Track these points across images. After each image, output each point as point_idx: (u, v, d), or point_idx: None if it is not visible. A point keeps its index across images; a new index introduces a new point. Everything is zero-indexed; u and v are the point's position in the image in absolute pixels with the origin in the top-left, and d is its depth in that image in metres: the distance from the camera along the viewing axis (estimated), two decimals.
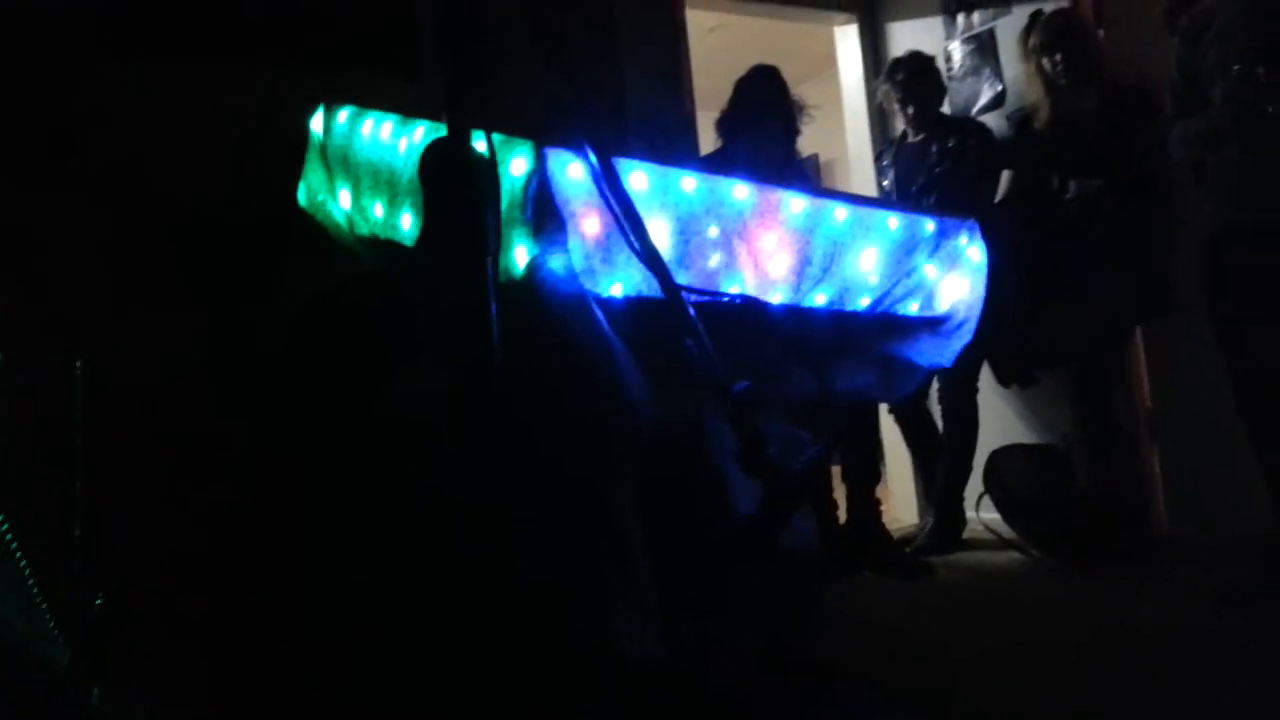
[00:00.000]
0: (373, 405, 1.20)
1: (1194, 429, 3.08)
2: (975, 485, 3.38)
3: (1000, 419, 3.52)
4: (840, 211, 1.51)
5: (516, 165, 1.13)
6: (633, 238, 1.14)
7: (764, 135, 2.97)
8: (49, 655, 1.19)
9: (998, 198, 3.34)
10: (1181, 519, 3.17)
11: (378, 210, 1.38)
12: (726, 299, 1.37)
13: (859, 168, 4.12)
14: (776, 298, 1.39)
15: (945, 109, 3.58)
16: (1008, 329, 3.22)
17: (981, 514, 3.40)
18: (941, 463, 3.42)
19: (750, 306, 1.32)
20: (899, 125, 3.74)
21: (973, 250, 1.69)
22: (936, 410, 3.50)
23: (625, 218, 1.13)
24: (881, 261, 1.58)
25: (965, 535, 3.44)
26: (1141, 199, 2.96)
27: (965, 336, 1.70)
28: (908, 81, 3.40)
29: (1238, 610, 2.35)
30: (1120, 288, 2.97)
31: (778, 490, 1.09)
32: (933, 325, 1.69)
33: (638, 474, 1.14)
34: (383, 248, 1.36)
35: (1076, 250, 3.02)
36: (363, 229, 1.43)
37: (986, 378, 3.39)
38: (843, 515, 3.11)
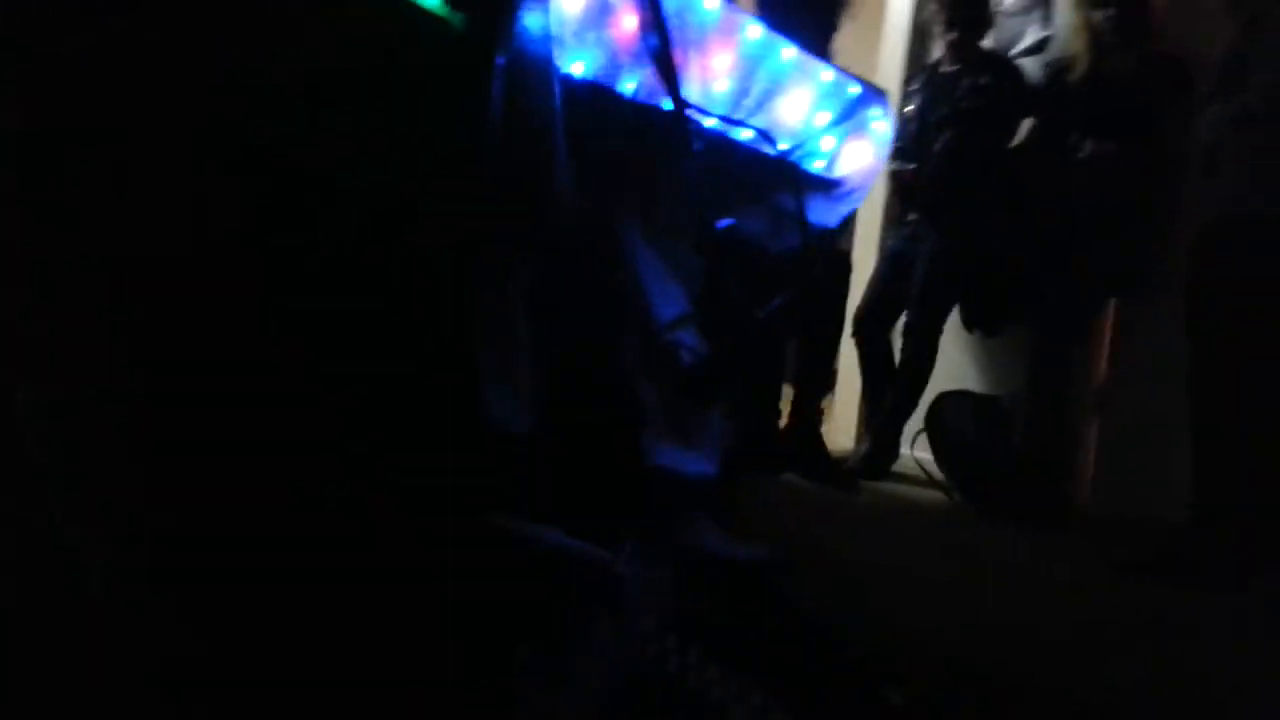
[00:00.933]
0: None
1: (1138, 412, 3.12)
2: (916, 423, 3.42)
3: (954, 364, 3.53)
4: (788, 51, 1.46)
5: None
6: (652, 37, 1.08)
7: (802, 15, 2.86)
8: None
9: (1014, 142, 3.29)
10: (1104, 496, 3.24)
11: None
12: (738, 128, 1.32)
13: (888, 89, 4.01)
14: (710, 122, 1.35)
15: (987, 43, 3.48)
16: (989, 274, 3.24)
17: (915, 451, 3.46)
18: (889, 394, 3.44)
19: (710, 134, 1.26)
20: (936, 52, 3.65)
21: (880, 124, 1.66)
22: (898, 342, 3.51)
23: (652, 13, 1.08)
24: (807, 110, 1.54)
25: (895, 468, 3.50)
26: (1152, 173, 2.92)
27: (854, 203, 1.70)
28: (956, 5, 3.30)
29: (1129, 578, 2.43)
30: (1108, 257, 2.96)
31: (739, 332, 1.06)
32: (827, 187, 1.67)
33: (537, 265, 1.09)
34: None
35: (1076, 211, 3.00)
36: None
37: (951, 320, 3.39)
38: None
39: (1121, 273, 3.00)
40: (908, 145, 3.40)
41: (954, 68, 3.35)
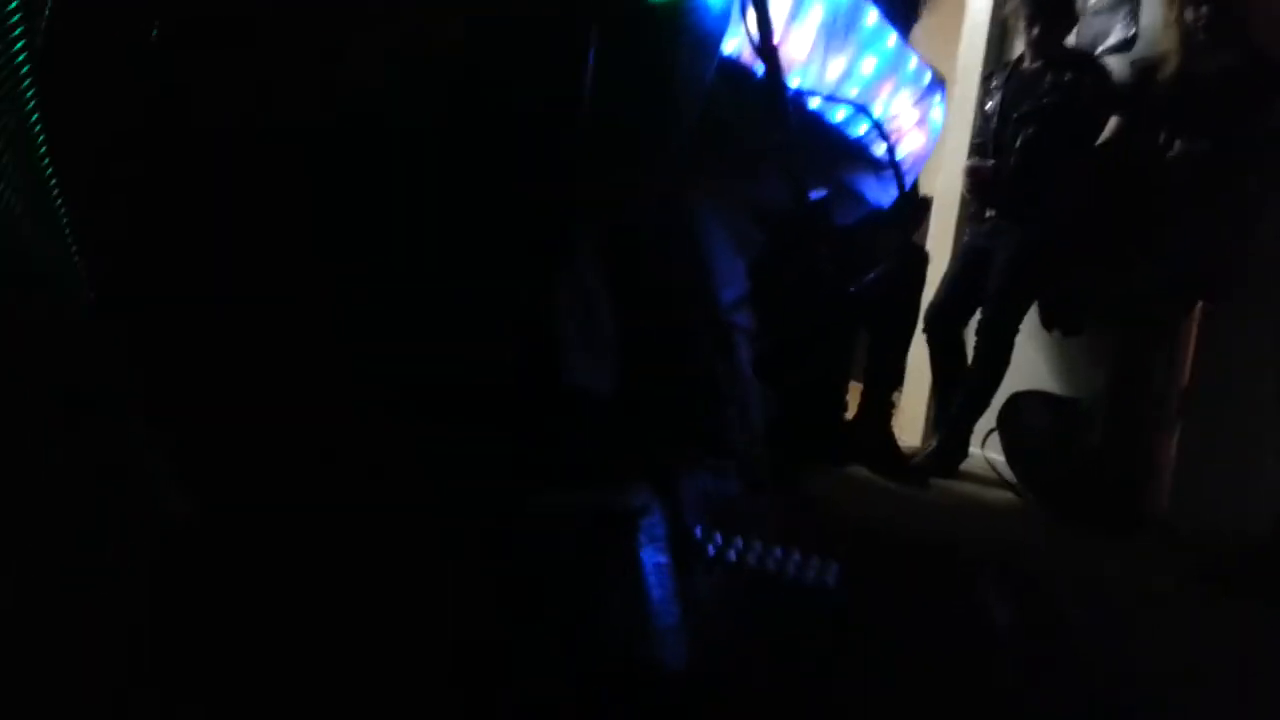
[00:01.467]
0: None
1: (1222, 420, 3.03)
2: (987, 422, 3.37)
3: (1030, 363, 3.47)
4: (892, 38, 1.46)
5: None
6: (750, 25, 1.08)
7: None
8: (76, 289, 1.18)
9: (1099, 140, 3.22)
10: (1181, 505, 3.15)
11: None
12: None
13: (965, 84, 3.97)
14: (814, 101, 1.34)
15: (1070, 40, 3.42)
16: (1071, 272, 3.18)
17: (986, 451, 3.41)
18: (961, 392, 3.40)
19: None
20: (1017, 49, 3.59)
21: (938, 111, 1.64)
22: (971, 341, 3.46)
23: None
24: (892, 94, 1.53)
25: (964, 467, 3.45)
26: (1244, 174, 2.84)
27: (903, 187, 1.68)
28: (1040, 1, 3.25)
29: (1204, 587, 2.36)
30: (1196, 259, 2.88)
31: (832, 306, 1.06)
32: (878, 167, 1.66)
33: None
34: None
35: (1164, 211, 2.93)
36: None
37: (1028, 319, 3.33)
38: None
39: (1208, 274, 2.92)
40: (987, 141, 3.36)
41: (1036, 64, 3.30)
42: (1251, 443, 2.69)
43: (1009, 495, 3.23)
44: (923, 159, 1.66)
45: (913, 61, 1.53)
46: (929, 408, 3.88)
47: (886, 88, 1.50)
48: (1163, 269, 2.92)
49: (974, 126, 3.52)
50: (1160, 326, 3.05)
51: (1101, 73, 3.29)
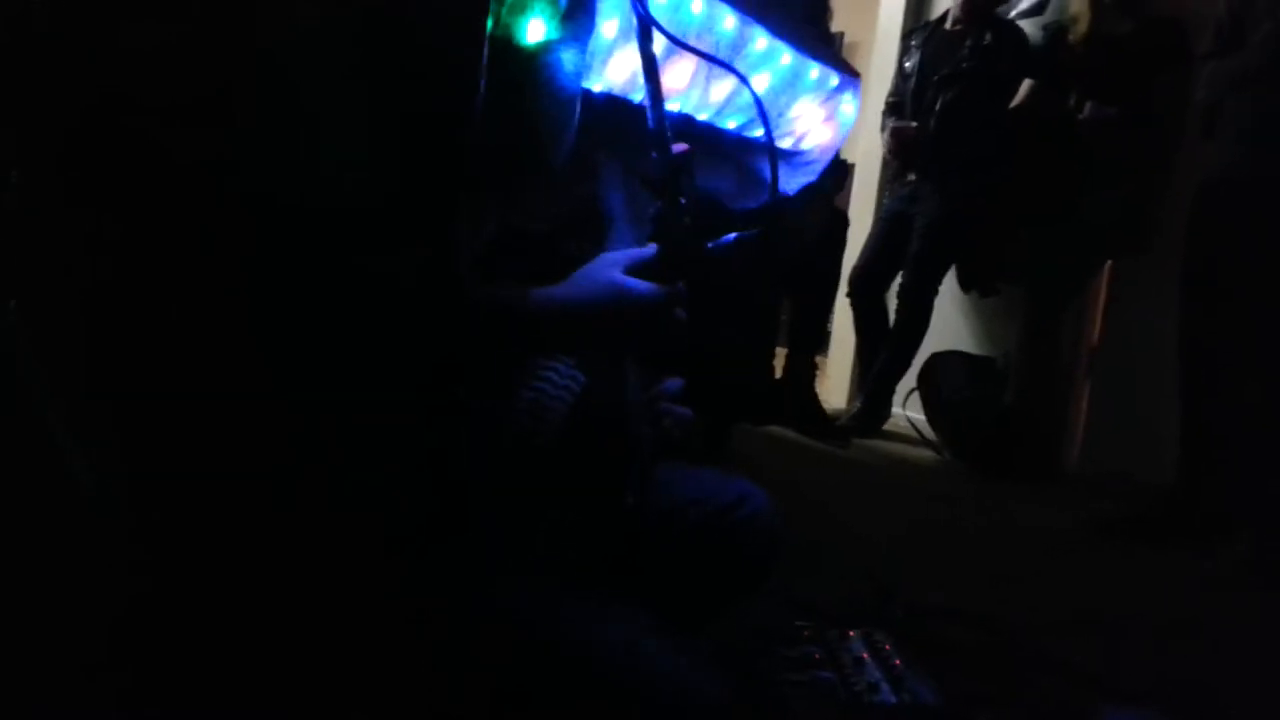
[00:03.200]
0: None
1: (1130, 375, 3.15)
2: (909, 383, 3.45)
3: (949, 324, 3.57)
4: (786, 57, 1.47)
5: None
6: (643, 41, 1.08)
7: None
8: None
9: (1014, 103, 3.28)
10: (1094, 457, 3.28)
11: None
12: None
13: (884, 48, 4.01)
14: (674, 106, 1.36)
15: None
16: (985, 235, 3.25)
17: (908, 410, 3.50)
18: (883, 353, 3.47)
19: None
20: (938, 9, 3.62)
21: (848, 106, 1.67)
22: (894, 304, 3.53)
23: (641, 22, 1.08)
24: (791, 104, 1.55)
25: (887, 427, 3.54)
26: (1149, 135, 2.93)
27: (811, 175, 1.71)
28: None
29: (1113, 537, 2.48)
30: (1106, 219, 2.97)
31: (681, 258, 1.04)
32: (788, 156, 1.69)
33: None
34: None
35: (1074, 172, 3.01)
36: None
37: (947, 281, 3.41)
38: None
39: (1117, 235, 3.01)
40: (904, 100, 3.40)
41: (958, 27, 3.33)
42: (1157, 396, 2.80)
43: (929, 452, 3.32)
44: (832, 148, 1.69)
45: (814, 71, 1.55)
46: (853, 369, 3.95)
47: (783, 98, 1.52)
48: (1074, 229, 3.00)
49: (892, 84, 3.54)
50: (1070, 286, 3.15)
51: (1019, 37, 3.34)
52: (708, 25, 1.32)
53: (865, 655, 1.18)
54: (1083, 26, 3.05)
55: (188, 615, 0.79)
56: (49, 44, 0.78)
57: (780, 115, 1.55)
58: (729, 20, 1.35)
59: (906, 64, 3.46)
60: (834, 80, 1.60)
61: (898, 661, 1.17)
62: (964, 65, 3.26)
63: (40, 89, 0.79)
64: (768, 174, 1.39)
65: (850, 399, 3.89)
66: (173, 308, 0.80)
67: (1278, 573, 2.19)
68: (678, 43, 1.10)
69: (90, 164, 0.79)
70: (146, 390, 0.80)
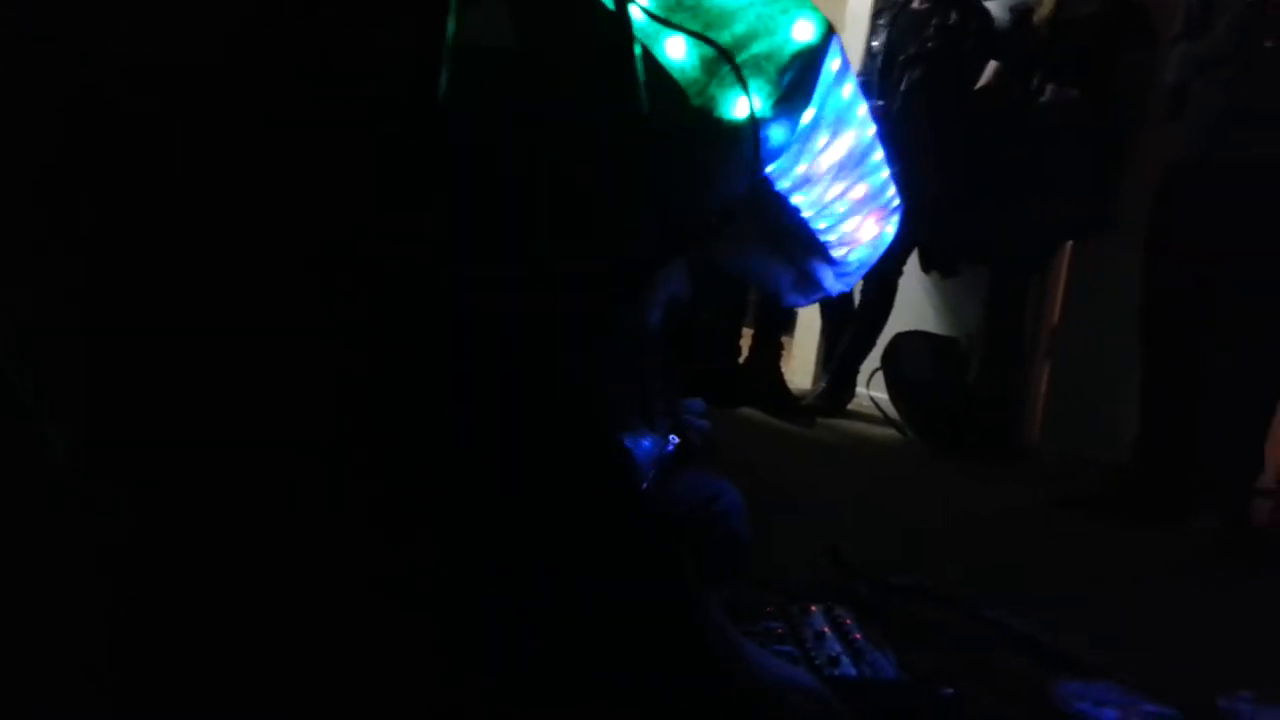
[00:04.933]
0: None
1: (1090, 355, 3.19)
2: (873, 363, 3.47)
3: (912, 304, 3.59)
4: (879, 153, 1.45)
5: (801, 29, 1.02)
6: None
7: None
8: None
9: (978, 84, 3.29)
10: (1053, 436, 3.32)
11: None
12: None
13: (854, 28, 3.99)
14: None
15: None
16: (946, 216, 3.26)
17: (871, 390, 3.51)
18: (847, 334, 3.48)
19: None
20: None
21: (891, 228, 1.65)
22: (858, 285, 3.54)
23: None
24: (859, 201, 1.54)
25: (851, 406, 3.56)
26: (1110, 118, 2.95)
27: (845, 286, 1.71)
28: None
29: (1076, 514, 2.51)
30: (1067, 200, 2.99)
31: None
32: (833, 264, 1.69)
33: None
34: None
35: (1035, 154, 3.02)
36: None
37: (910, 261, 3.42)
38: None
39: (1078, 216, 3.04)
40: (872, 80, 3.39)
41: (925, 6, 3.33)
42: (1116, 376, 2.83)
43: (893, 431, 3.34)
44: (867, 266, 1.67)
45: (890, 191, 1.53)
46: (819, 350, 3.96)
47: (864, 208, 1.50)
48: (1035, 210, 3.02)
49: (860, 63, 3.54)
50: (1031, 267, 3.17)
51: (985, 17, 3.34)
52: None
53: (826, 629, 1.18)
54: (1047, 8, 3.07)
55: (201, 611, 0.76)
56: None
57: (854, 228, 1.51)
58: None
59: (874, 43, 3.46)
60: (894, 199, 1.57)
61: (858, 636, 1.17)
62: (929, 45, 3.26)
63: None
64: (820, 276, 1.38)
65: (815, 379, 3.90)
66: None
67: (1242, 547, 2.23)
68: None
69: None
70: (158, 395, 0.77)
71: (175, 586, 0.74)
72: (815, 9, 1.07)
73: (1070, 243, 3.25)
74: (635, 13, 1.00)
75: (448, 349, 0.79)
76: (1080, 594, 1.93)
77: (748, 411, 3.18)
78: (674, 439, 1.26)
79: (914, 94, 3.25)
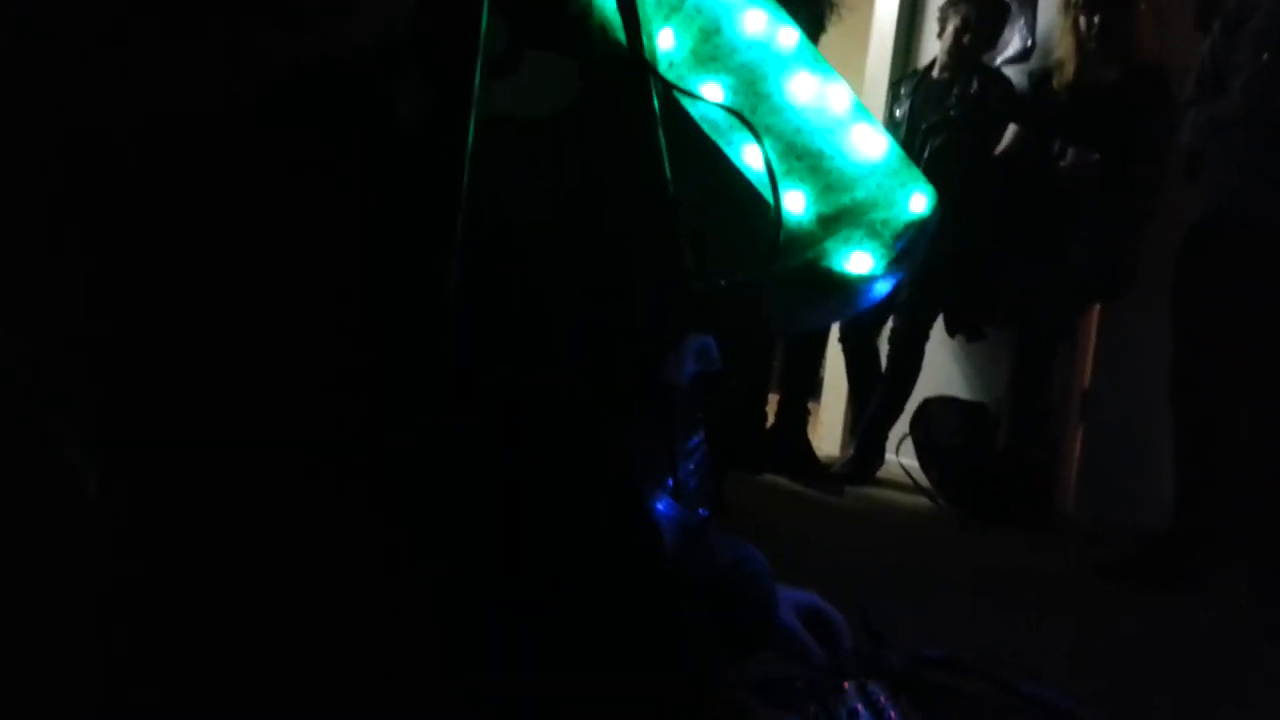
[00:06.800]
0: None
1: (1122, 419, 3.14)
2: (901, 428, 3.43)
3: (940, 369, 3.56)
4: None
5: (917, 202, 1.15)
6: None
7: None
8: None
9: (999, 149, 3.31)
10: (1088, 501, 3.26)
11: None
12: None
13: (872, 96, 4.05)
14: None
15: None
16: (971, 280, 3.26)
17: (901, 457, 3.47)
18: (875, 399, 3.46)
19: None
20: (925, 58, 3.67)
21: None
22: (885, 349, 3.52)
23: None
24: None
25: (880, 473, 3.51)
26: (1132, 180, 2.95)
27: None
28: (982, 18, 3.31)
29: (1111, 580, 2.44)
30: (1091, 263, 2.98)
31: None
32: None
33: None
34: None
35: (1059, 217, 3.02)
36: None
37: (936, 325, 3.41)
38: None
39: (1102, 278, 3.02)
40: None
41: (945, 75, 3.38)
42: (1150, 440, 2.78)
43: (923, 499, 3.29)
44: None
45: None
46: (846, 416, 3.94)
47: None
48: (1059, 273, 3.01)
49: None
50: (1057, 329, 3.15)
51: (1006, 84, 3.38)
52: None
53: (860, 707, 1.14)
54: (1067, 73, 3.09)
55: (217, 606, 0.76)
56: None
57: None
58: None
59: (896, 112, 3.50)
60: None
61: (893, 715, 1.13)
62: (951, 112, 3.30)
63: None
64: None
65: (843, 445, 3.87)
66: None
67: (1276, 620, 2.16)
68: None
69: None
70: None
71: (182, 584, 0.75)
72: (927, 182, 1.16)
73: (1099, 305, 3.21)
74: (756, 157, 1.08)
75: (463, 403, 0.80)
76: (1117, 665, 1.87)
77: (773, 478, 3.15)
78: (703, 511, 1.25)
79: (937, 160, 3.27)
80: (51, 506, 0.78)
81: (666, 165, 1.01)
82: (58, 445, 0.77)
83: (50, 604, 0.77)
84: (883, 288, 1.15)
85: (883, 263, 1.11)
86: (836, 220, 1.13)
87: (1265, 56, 2.24)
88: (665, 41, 1.19)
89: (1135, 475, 3.03)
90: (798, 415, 3.20)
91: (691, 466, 1.28)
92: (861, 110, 1.25)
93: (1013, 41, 3.57)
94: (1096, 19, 2.99)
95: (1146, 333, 2.73)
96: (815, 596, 1.35)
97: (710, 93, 1.22)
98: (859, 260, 1.12)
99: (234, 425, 0.80)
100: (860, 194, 1.14)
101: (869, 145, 1.22)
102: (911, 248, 1.15)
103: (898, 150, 1.15)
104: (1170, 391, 2.50)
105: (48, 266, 0.81)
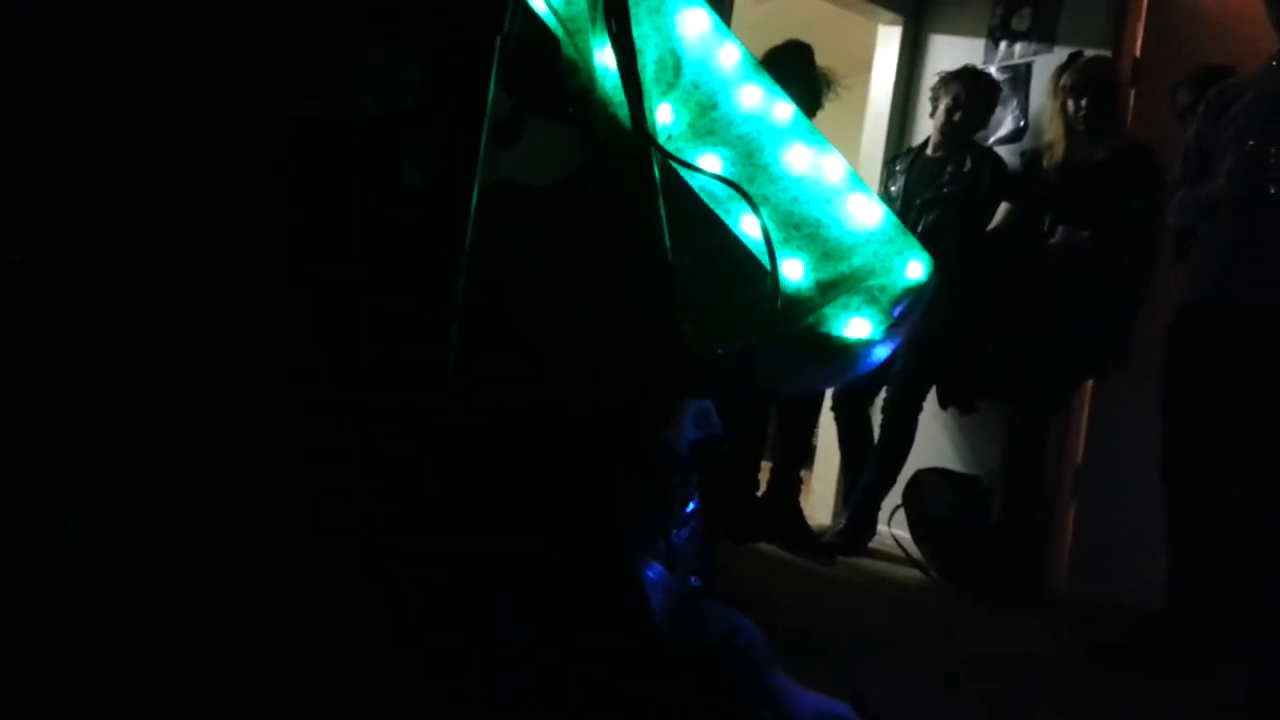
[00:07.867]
0: None
1: (1115, 495, 3.13)
2: (893, 499, 3.42)
3: (932, 441, 3.56)
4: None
5: (913, 269, 1.19)
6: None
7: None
8: None
9: (991, 226, 3.36)
10: (1080, 578, 3.23)
11: None
12: None
13: (867, 171, 4.13)
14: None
15: None
16: (964, 354, 3.28)
17: (893, 528, 3.45)
18: (868, 469, 3.45)
19: None
20: (919, 136, 3.74)
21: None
22: (878, 419, 3.53)
23: None
24: None
25: (872, 545, 3.49)
26: (1122, 259, 2.99)
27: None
28: (972, 96, 3.38)
29: (1102, 663, 2.41)
30: (1083, 340, 3.01)
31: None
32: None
33: None
34: None
35: (1050, 294, 3.06)
36: None
37: (928, 397, 3.42)
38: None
39: (1094, 354, 3.04)
40: None
41: (939, 153, 3.44)
42: (1143, 517, 2.77)
43: (915, 571, 3.26)
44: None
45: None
46: (838, 485, 3.92)
47: None
48: (1050, 349, 3.03)
49: None
50: (1050, 404, 3.16)
51: (998, 163, 3.44)
52: None
53: None
54: (1057, 154, 3.16)
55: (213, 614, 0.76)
56: None
57: None
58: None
59: (891, 188, 3.56)
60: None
61: None
62: (945, 189, 3.36)
63: None
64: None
65: (835, 514, 3.85)
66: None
67: (1273, 702, 2.13)
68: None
69: None
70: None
71: (182, 589, 0.76)
72: (923, 249, 1.22)
73: (1091, 381, 3.23)
74: (752, 228, 1.12)
75: (461, 461, 0.81)
76: None
77: (765, 547, 3.12)
78: (695, 580, 1.25)
79: (931, 236, 3.32)
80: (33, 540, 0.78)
81: (666, 234, 1.03)
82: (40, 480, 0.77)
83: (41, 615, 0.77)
84: (881, 352, 1.18)
85: (881, 328, 1.15)
86: (835, 287, 1.16)
87: (1251, 143, 2.29)
88: (664, 115, 1.22)
89: (1129, 552, 3.01)
90: (790, 483, 3.19)
91: (686, 534, 1.28)
92: (857, 180, 1.28)
93: (1006, 121, 3.65)
94: (1084, 102, 3.06)
95: (1140, 409, 2.73)
96: (847, 708, 1.35)
97: (709, 164, 1.24)
98: (858, 326, 1.16)
99: (232, 480, 0.81)
100: (858, 261, 1.17)
101: (865, 214, 1.24)
102: (909, 313, 1.18)
103: (893, 219, 1.18)
104: (1161, 471, 2.50)
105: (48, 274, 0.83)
